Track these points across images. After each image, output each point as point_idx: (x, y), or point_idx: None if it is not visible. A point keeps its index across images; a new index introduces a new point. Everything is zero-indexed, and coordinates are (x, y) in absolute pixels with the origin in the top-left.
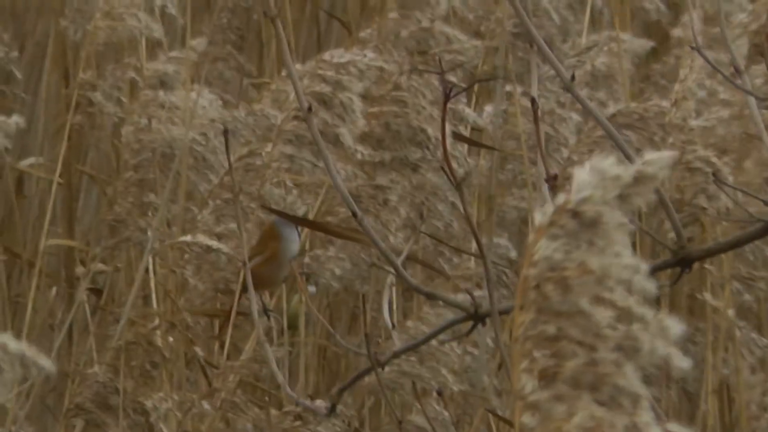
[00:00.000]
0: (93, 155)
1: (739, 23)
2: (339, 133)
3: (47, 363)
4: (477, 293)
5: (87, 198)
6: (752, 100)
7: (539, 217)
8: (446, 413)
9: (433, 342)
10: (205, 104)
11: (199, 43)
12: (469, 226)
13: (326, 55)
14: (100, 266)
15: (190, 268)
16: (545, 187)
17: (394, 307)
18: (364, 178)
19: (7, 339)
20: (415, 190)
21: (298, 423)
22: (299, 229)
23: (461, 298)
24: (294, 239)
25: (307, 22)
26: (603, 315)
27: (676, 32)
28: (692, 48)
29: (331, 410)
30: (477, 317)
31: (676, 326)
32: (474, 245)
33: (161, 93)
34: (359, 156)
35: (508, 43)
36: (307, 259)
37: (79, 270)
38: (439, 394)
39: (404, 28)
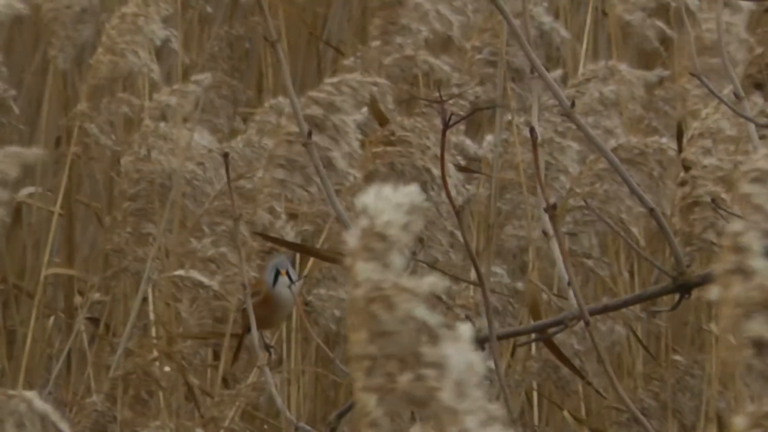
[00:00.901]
0: (89, 185)
1: (732, 56)
2: (331, 156)
3: (66, 427)
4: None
5: (84, 228)
6: (752, 127)
7: (351, 241)
8: None
9: None
10: (200, 138)
11: (205, 78)
12: (468, 254)
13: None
14: (97, 296)
15: (186, 300)
16: (545, 217)
17: None
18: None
19: (33, 397)
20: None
21: None
22: (294, 269)
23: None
24: (276, 283)
25: (305, 50)
26: (413, 333)
27: (682, 62)
28: (692, 75)
29: None
30: (477, 341)
31: (466, 331)
32: (473, 274)
33: (162, 125)
34: (352, 179)
35: (506, 73)
36: (310, 298)
37: (78, 300)
38: None
39: (386, 55)
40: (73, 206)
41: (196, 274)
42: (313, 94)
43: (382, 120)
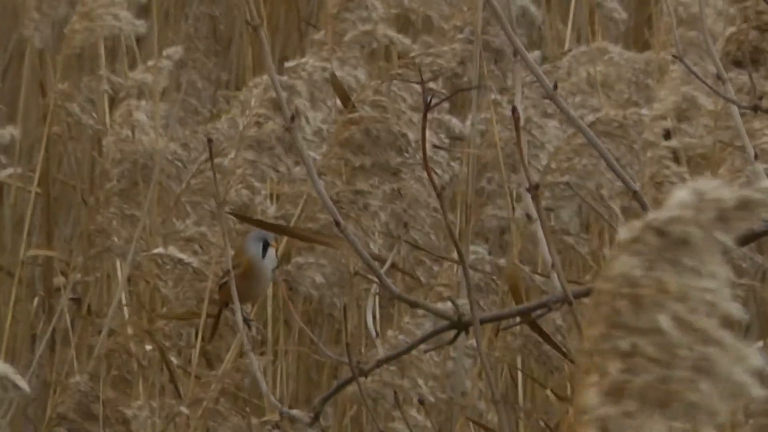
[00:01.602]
0: (68, 165)
1: (712, 31)
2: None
3: (24, 383)
4: (459, 302)
5: (65, 208)
6: (735, 109)
7: (623, 233)
8: (428, 423)
9: (414, 352)
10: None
11: (175, 51)
12: (449, 234)
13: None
14: (78, 276)
15: (169, 279)
16: (528, 197)
17: (377, 316)
18: (343, 184)
19: None
20: (395, 196)
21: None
22: (271, 242)
23: (443, 307)
24: (259, 254)
25: (284, 27)
26: (679, 334)
27: (660, 37)
28: (674, 57)
29: (314, 420)
30: (460, 325)
31: (755, 355)
32: (455, 253)
33: (143, 103)
34: (320, 163)
35: (494, 54)
36: (289, 267)
37: (58, 280)
38: (421, 403)
39: (348, 31)
40: (52, 186)
41: (175, 252)
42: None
43: (344, 97)
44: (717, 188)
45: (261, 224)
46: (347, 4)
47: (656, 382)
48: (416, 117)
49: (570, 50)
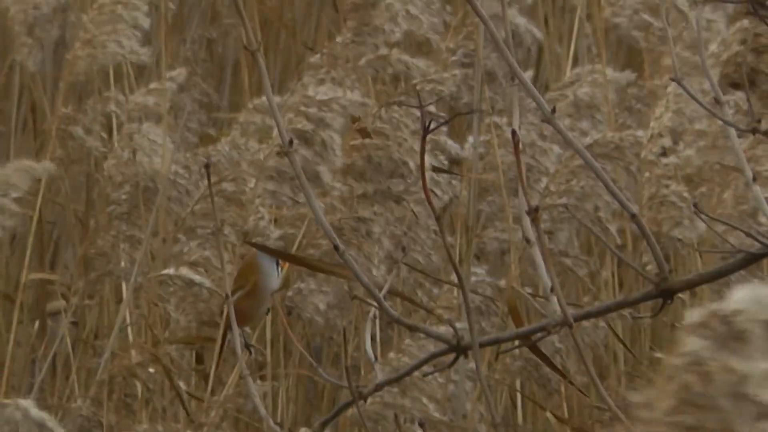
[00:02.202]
0: (66, 189)
1: (711, 53)
2: (318, 170)
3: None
4: (459, 325)
5: (62, 231)
6: (732, 132)
7: (691, 317)
8: None
9: (416, 373)
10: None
11: (179, 74)
12: (448, 256)
13: (311, 91)
14: (74, 300)
15: (173, 301)
16: (527, 220)
17: (377, 339)
18: (346, 212)
19: (29, 405)
20: (397, 221)
21: None
22: (279, 262)
23: (443, 329)
24: (273, 273)
25: (282, 49)
26: (740, 411)
27: (666, 61)
28: (672, 80)
29: None
30: (459, 349)
31: None
32: (454, 276)
33: (145, 125)
34: (337, 193)
35: (485, 76)
36: (290, 293)
37: (54, 304)
38: (422, 425)
39: (360, 55)
40: (45, 210)
41: (187, 272)
42: (303, 108)
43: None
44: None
45: (273, 252)
46: (362, 29)
47: None
48: (417, 144)
49: (575, 78)
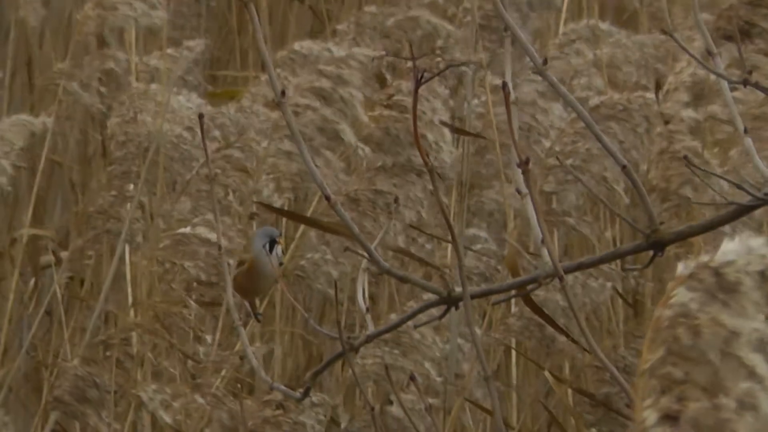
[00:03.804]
0: (62, 145)
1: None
2: (339, 129)
3: None
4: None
5: (58, 188)
6: (724, 84)
7: (681, 269)
8: (422, 403)
9: (417, 335)
10: (187, 101)
11: (197, 44)
12: (441, 211)
13: (297, 46)
14: (65, 255)
15: (198, 258)
16: (519, 174)
17: (366, 295)
18: (363, 183)
19: None
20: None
21: (279, 412)
22: (277, 240)
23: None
24: (262, 252)
25: (282, 11)
26: (728, 368)
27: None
28: (663, 32)
29: (305, 394)
30: (450, 300)
31: None
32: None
33: (152, 86)
34: (361, 153)
35: (479, 32)
36: (303, 262)
37: (46, 259)
38: (412, 379)
39: (389, 17)
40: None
41: (203, 231)
42: (321, 66)
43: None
44: (763, 246)
45: (281, 212)
46: None
47: (708, 410)
48: (437, 118)
49: (575, 39)
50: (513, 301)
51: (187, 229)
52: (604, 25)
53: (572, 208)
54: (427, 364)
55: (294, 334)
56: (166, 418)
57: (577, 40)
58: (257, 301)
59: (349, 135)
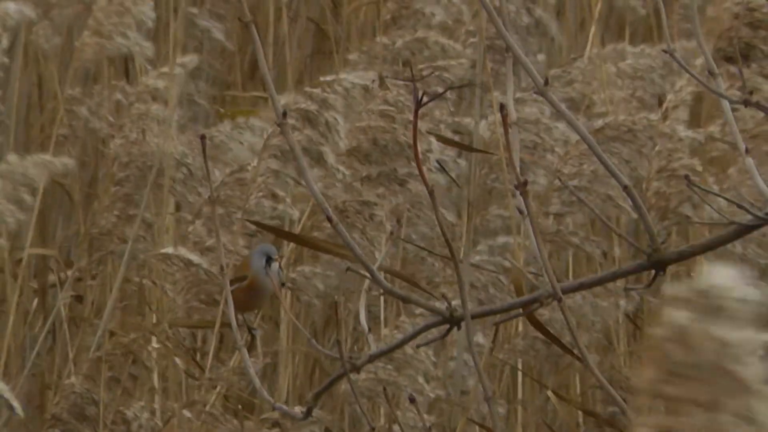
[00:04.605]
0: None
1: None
2: (322, 151)
3: (17, 405)
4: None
5: (56, 208)
6: (726, 104)
7: (670, 290)
8: (421, 422)
9: (410, 350)
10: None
11: (190, 60)
12: (440, 229)
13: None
14: (75, 274)
15: (176, 281)
16: (517, 192)
17: (380, 318)
18: (351, 194)
19: None
20: (400, 204)
21: (275, 430)
22: (274, 257)
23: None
24: (262, 269)
25: (300, 38)
26: (723, 382)
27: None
28: (665, 51)
29: (307, 414)
30: (452, 320)
31: None
32: (458, 251)
33: (154, 107)
34: (340, 176)
35: (485, 51)
36: (293, 275)
37: (52, 278)
38: (412, 401)
39: (398, 38)
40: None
41: (185, 252)
42: (308, 89)
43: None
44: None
45: (275, 231)
46: (401, 11)
47: (704, 425)
48: (424, 127)
49: (576, 57)
50: (520, 320)
51: (170, 250)
52: (630, 48)
53: (579, 228)
54: (421, 379)
55: (298, 352)
56: None
57: (578, 60)
58: (251, 316)
59: (330, 157)
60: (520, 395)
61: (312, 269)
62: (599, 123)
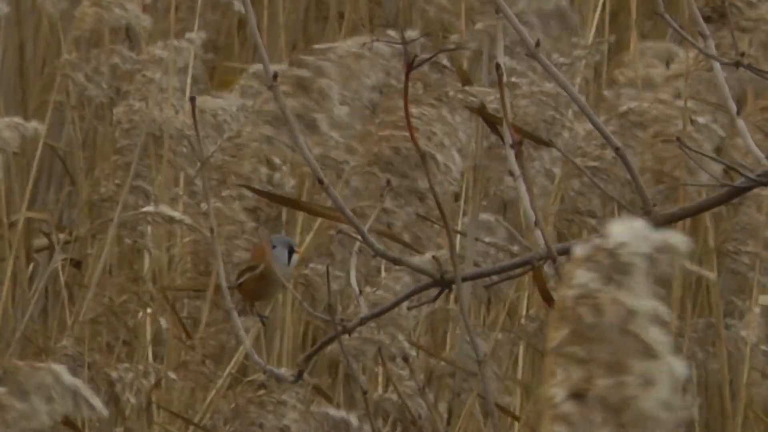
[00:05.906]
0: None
1: None
2: (315, 118)
3: (98, 403)
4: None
5: (47, 173)
6: (717, 66)
7: (579, 250)
8: (413, 382)
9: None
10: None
11: (198, 36)
12: (433, 196)
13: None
14: (64, 236)
15: (171, 245)
16: (511, 155)
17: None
18: (370, 199)
19: (62, 370)
20: (420, 218)
21: (262, 392)
22: (294, 249)
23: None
24: (284, 260)
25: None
26: (629, 345)
27: None
28: (655, 13)
29: (298, 377)
30: (442, 282)
31: (681, 369)
32: (460, 219)
33: (158, 75)
34: (333, 143)
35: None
36: (306, 271)
37: (40, 242)
38: (405, 360)
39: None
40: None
41: (166, 209)
42: (302, 56)
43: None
44: (645, 228)
45: (272, 197)
46: None
47: (613, 387)
48: (447, 141)
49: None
50: (526, 301)
51: (150, 208)
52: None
53: (596, 209)
54: (401, 337)
55: (292, 314)
56: (132, 399)
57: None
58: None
59: (323, 124)
60: (520, 371)
61: (324, 267)
62: (623, 107)
